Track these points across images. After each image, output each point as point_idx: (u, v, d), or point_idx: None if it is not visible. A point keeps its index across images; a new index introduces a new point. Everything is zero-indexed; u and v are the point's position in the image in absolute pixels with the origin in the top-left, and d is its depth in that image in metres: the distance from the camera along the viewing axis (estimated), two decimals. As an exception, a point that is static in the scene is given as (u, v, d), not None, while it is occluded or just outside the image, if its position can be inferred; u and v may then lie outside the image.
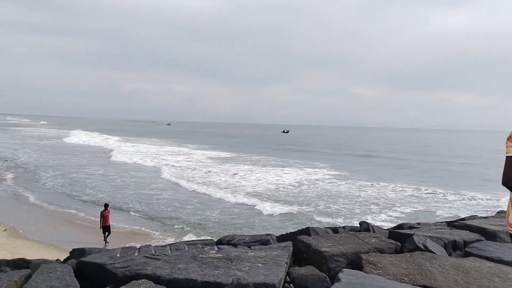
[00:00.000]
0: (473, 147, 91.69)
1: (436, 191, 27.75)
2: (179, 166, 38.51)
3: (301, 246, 6.26)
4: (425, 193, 27.25)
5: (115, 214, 19.41)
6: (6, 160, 39.66)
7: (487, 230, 7.63)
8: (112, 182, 29.13)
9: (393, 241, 6.62)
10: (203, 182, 29.77)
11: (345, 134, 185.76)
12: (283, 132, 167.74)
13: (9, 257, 12.65)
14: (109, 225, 15.83)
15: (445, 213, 21.19)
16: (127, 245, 7.56)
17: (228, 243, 6.42)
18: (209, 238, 8.88)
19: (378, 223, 18.75)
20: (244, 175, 34.18)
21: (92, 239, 15.29)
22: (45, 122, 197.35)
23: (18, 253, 12.95)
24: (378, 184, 30.55)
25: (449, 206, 23.57)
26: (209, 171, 35.70)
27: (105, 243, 15.41)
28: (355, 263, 5.76)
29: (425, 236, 6.81)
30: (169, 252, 5.45)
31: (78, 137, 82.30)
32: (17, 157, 42.63)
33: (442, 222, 9.29)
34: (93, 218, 18.59)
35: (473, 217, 10.42)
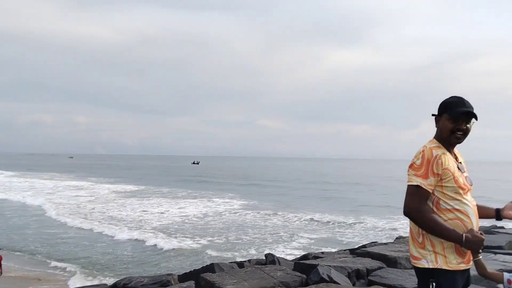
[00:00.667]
0: (368, 174, 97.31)
1: (338, 218, 28.74)
2: (73, 203, 36.00)
3: (205, 285, 5.91)
4: (328, 220, 28.07)
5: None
6: None
7: (387, 257, 7.82)
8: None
9: (299, 274, 6.51)
10: (102, 218, 28.03)
11: (252, 164, 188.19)
12: (193, 163, 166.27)
13: None
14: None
15: (348, 239, 21.85)
16: None
17: (125, 287, 5.88)
18: (103, 283, 8.10)
19: (288, 251, 18.88)
20: (149, 209, 32.89)
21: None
22: None
23: None
24: (283, 212, 30.95)
25: (351, 231, 24.40)
26: (111, 206, 33.86)
27: None
28: (261, 300, 5.53)
29: (330, 266, 6.79)
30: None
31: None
32: None
33: (345, 250, 9.46)
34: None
35: (374, 243, 10.75)
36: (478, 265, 3.06)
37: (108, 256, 18.41)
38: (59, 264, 17.07)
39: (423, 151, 3.00)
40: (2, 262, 14.64)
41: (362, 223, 27.36)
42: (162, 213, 30.68)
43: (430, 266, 2.95)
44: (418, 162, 2.99)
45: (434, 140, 3.10)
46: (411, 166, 3.02)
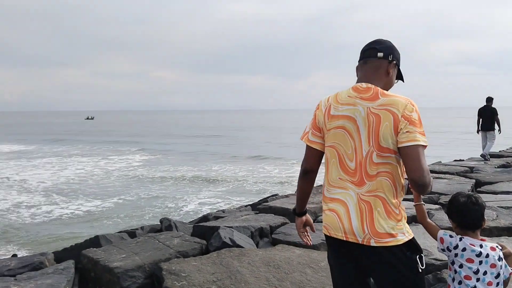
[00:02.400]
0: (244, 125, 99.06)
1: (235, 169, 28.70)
2: None
3: (87, 263, 4.99)
4: (229, 173, 27.86)
5: None
6: None
7: (290, 211, 7.47)
8: None
9: (198, 239, 5.83)
10: None
11: (152, 118, 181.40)
12: (88, 118, 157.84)
13: None
14: None
15: (253, 190, 21.69)
16: None
17: (-16, 274, 4.76)
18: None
19: (188, 208, 18.04)
20: (40, 170, 30.15)
21: None
22: None
23: None
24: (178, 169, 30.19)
25: (254, 182, 24.31)
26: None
27: None
28: (156, 276, 4.79)
29: (232, 228, 6.22)
30: None
31: None
32: None
33: (247, 206, 9.01)
34: None
35: (275, 197, 10.44)
36: (419, 211, 2.84)
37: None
38: None
39: (413, 104, 2.42)
40: None
41: (258, 171, 27.59)
42: (56, 173, 28.32)
43: (409, 238, 2.47)
44: (415, 116, 2.40)
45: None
46: (408, 119, 2.34)
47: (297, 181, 2.87)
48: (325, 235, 2.66)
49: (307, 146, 2.70)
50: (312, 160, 2.71)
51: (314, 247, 5.66)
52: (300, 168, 2.81)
